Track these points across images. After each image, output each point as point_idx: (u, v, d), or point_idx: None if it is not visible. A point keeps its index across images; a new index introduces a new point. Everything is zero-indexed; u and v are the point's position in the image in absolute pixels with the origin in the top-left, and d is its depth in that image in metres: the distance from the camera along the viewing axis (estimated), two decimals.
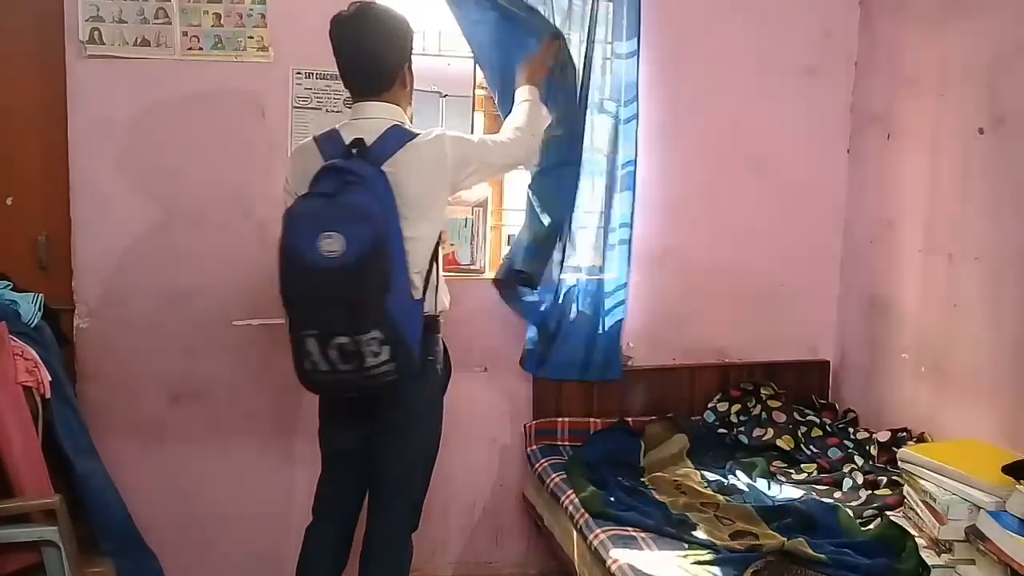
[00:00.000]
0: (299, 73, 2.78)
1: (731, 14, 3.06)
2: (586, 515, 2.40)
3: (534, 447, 2.95)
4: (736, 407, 3.06)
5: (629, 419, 3.00)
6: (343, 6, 2.75)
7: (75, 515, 2.12)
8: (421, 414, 2.24)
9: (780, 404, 3.03)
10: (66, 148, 2.70)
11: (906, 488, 2.29)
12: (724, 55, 3.07)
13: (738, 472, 2.72)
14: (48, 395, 2.17)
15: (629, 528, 2.31)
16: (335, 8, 2.74)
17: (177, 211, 2.78)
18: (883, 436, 2.76)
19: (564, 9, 2.86)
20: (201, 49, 2.73)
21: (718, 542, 2.23)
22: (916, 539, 2.14)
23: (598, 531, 2.31)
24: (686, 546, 2.23)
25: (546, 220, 2.82)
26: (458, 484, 3.04)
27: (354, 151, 2.06)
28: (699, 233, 3.12)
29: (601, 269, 2.98)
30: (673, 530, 2.30)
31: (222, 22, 2.73)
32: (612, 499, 2.48)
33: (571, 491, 2.55)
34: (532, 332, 2.98)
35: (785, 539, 2.17)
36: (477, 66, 2.86)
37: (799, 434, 2.92)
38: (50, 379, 2.18)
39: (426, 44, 2.90)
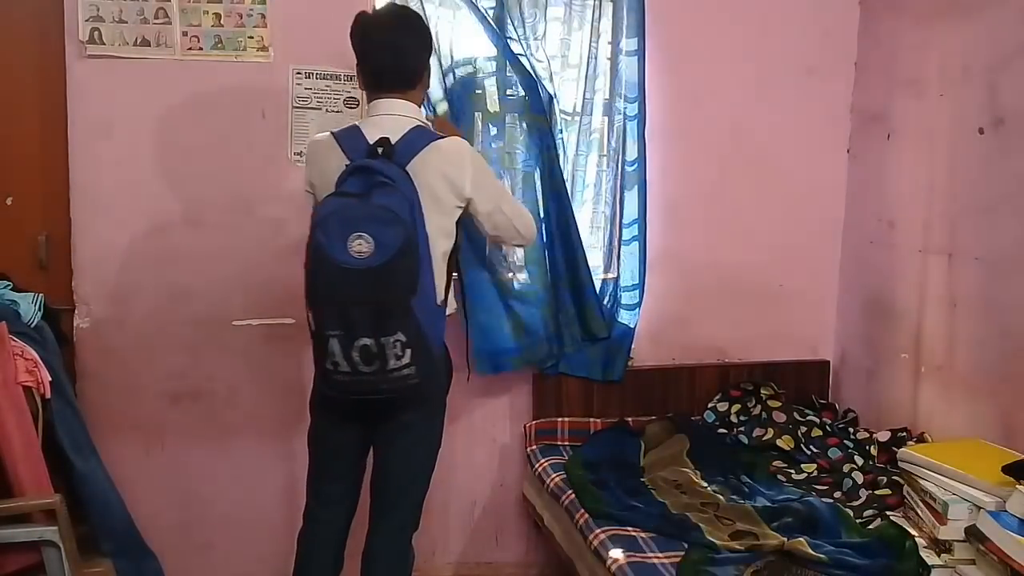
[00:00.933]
0: (299, 73, 2.78)
1: (731, 14, 3.06)
2: (586, 515, 2.40)
3: (534, 447, 2.95)
4: (736, 407, 3.06)
5: (629, 419, 3.00)
6: (343, 6, 2.76)
7: (75, 515, 2.12)
8: (431, 417, 2.24)
9: (780, 404, 3.03)
10: (66, 148, 2.70)
11: (906, 488, 2.29)
12: (724, 55, 3.06)
13: (738, 472, 2.71)
14: (48, 395, 2.17)
15: (629, 528, 2.32)
16: (335, 8, 2.75)
17: (177, 211, 2.78)
18: (883, 436, 2.76)
19: (567, 10, 2.87)
20: (201, 49, 2.73)
21: (718, 542, 2.23)
22: (916, 539, 2.15)
23: (598, 531, 2.31)
24: (686, 546, 2.23)
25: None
26: (458, 484, 3.04)
27: (380, 151, 2.05)
28: (699, 233, 3.12)
29: (611, 270, 2.98)
30: (673, 530, 2.30)
31: (222, 22, 2.73)
32: (612, 499, 2.48)
33: (571, 491, 2.55)
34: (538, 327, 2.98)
35: (785, 539, 2.17)
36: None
37: (799, 434, 2.92)
38: (50, 379, 2.18)
39: None
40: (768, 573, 2.05)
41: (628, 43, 2.89)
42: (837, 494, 2.56)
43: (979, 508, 2.05)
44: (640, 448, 2.87)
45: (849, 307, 3.20)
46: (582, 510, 2.43)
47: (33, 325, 2.31)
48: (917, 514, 2.21)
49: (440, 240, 2.12)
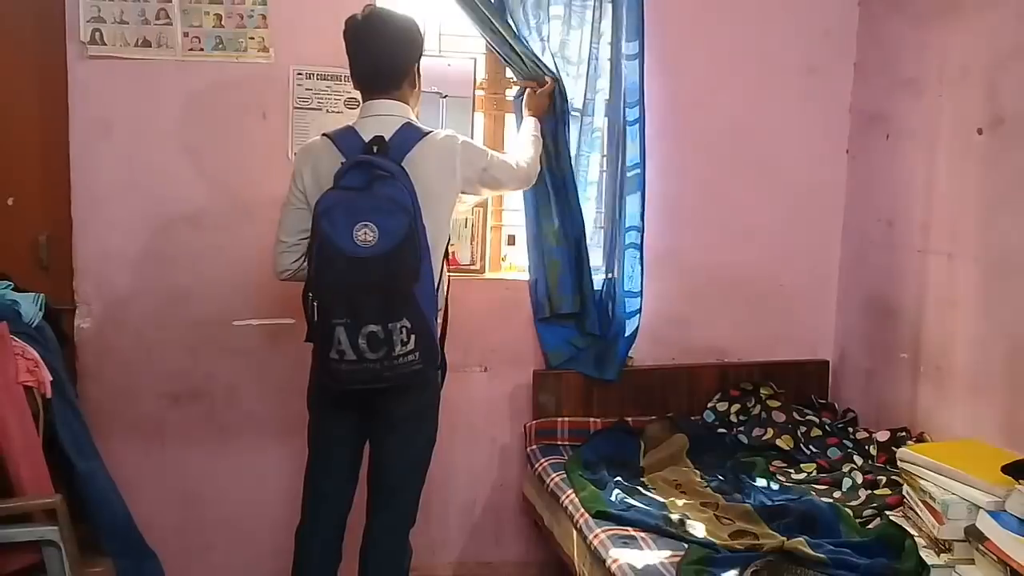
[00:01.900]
0: (300, 74, 2.78)
1: (731, 14, 3.06)
2: (586, 515, 2.40)
3: (534, 447, 2.95)
4: (736, 407, 3.06)
5: (629, 419, 3.01)
6: (343, 7, 2.76)
7: (75, 515, 2.11)
8: (424, 412, 2.26)
9: (780, 404, 3.03)
10: (67, 148, 2.70)
11: (905, 488, 2.29)
12: (724, 55, 3.07)
13: (738, 472, 2.72)
14: (49, 395, 2.17)
15: (629, 528, 2.31)
16: (335, 9, 2.75)
17: (177, 211, 2.79)
18: (883, 436, 2.76)
19: (567, 10, 2.88)
20: (202, 50, 2.73)
21: (718, 542, 2.23)
22: (916, 539, 2.15)
23: (598, 531, 2.31)
24: (686, 546, 2.23)
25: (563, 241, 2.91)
26: (458, 484, 3.05)
27: (375, 148, 2.09)
28: (699, 233, 3.12)
29: (612, 271, 2.99)
30: (673, 530, 2.30)
31: (223, 23, 2.73)
32: (612, 499, 2.48)
33: (571, 491, 2.55)
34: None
35: (785, 539, 2.17)
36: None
37: (799, 434, 2.92)
38: (51, 379, 2.18)
39: (427, 44, 2.90)
40: (768, 573, 2.05)
41: (628, 46, 2.88)
42: (837, 494, 2.56)
43: (979, 508, 2.05)
44: (640, 448, 2.87)
45: (849, 307, 3.20)
46: (582, 510, 2.43)
47: (34, 325, 2.31)
48: (916, 514, 2.21)
49: (435, 234, 2.15)
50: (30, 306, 2.34)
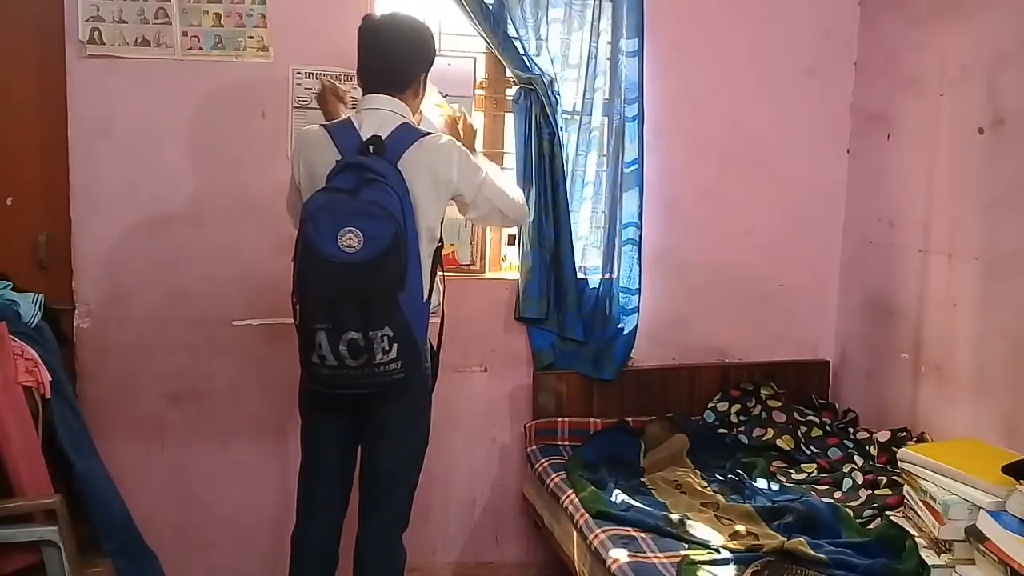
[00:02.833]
0: (299, 73, 2.78)
1: (731, 14, 3.06)
2: (586, 515, 2.40)
3: (534, 447, 2.95)
4: (736, 407, 3.06)
5: (629, 419, 3.00)
6: (343, 7, 2.77)
7: (75, 515, 2.11)
8: (415, 415, 2.24)
9: (780, 404, 3.03)
10: (66, 148, 2.70)
11: (906, 488, 2.29)
12: (724, 55, 3.07)
13: (738, 472, 2.71)
14: (48, 395, 2.16)
15: (629, 528, 2.31)
16: (335, 9, 2.77)
17: (177, 211, 2.79)
18: (883, 436, 2.76)
19: (567, 10, 2.88)
20: (201, 49, 2.73)
21: (718, 542, 2.23)
22: (916, 539, 2.15)
23: (598, 531, 2.31)
24: (686, 546, 2.23)
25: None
26: (458, 483, 3.05)
27: (371, 148, 2.06)
28: (699, 233, 3.12)
29: (610, 271, 2.99)
30: (673, 530, 2.30)
31: (222, 22, 2.73)
32: (612, 499, 2.48)
33: (571, 491, 2.55)
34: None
35: (785, 539, 2.17)
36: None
37: (799, 434, 2.92)
38: (50, 379, 2.17)
39: None
40: (768, 573, 2.05)
41: (628, 43, 2.89)
42: (837, 494, 2.56)
43: (979, 508, 2.05)
44: (640, 448, 2.87)
45: (849, 307, 3.20)
46: (582, 510, 2.43)
47: (33, 325, 2.31)
48: (917, 514, 2.21)
49: (427, 237, 2.14)
50: (29, 306, 2.34)
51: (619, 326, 3.02)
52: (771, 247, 3.18)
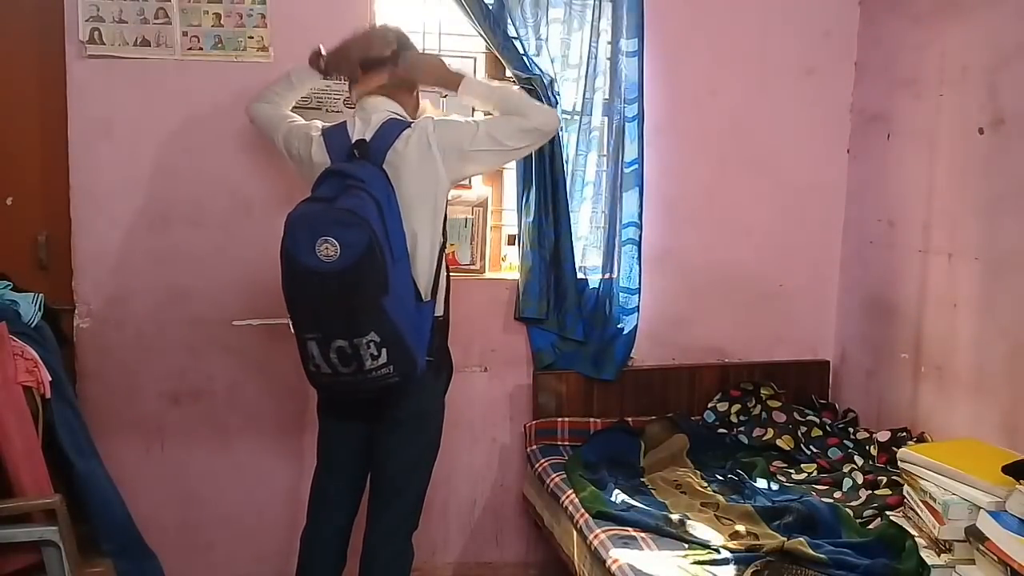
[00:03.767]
0: None
1: (731, 14, 3.06)
2: (586, 515, 2.40)
3: (534, 447, 2.95)
4: (736, 407, 3.06)
5: (629, 419, 3.00)
6: (343, 8, 2.77)
7: (75, 515, 2.11)
8: (423, 415, 2.24)
9: (780, 404, 3.03)
10: (66, 148, 2.70)
11: (906, 488, 2.29)
12: (724, 55, 3.07)
13: (738, 472, 2.71)
14: (48, 395, 2.16)
15: (629, 528, 2.31)
16: (335, 9, 2.76)
17: (177, 211, 2.78)
18: (883, 436, 2.76)
19: (567, 10, 2.88)
20: (201, 49, 2.73)
21: (718, 542, 2.23)
22: (916, 539, 2.15)
23: (598, 531, 2.31)
24: (686, 546, 2.23)
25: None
26: (458, 484, 3.05)
27: (356, 152, 2.09)
28: (699, 233, 3.12)
29: (610, 271, 2.99)
30: (673, 530, 2.30)
31: (222, 22, 2.73)
32: (612, 499, 2.48)
33: (571, 491, 2.55)
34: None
35: (785, 539, 2.18)
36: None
37: (799, 434, 2.92)
38: (50, 379, 2.17)
39: (426, 44, 2.91)
40: (768, 573, 2.05)
41: (628, 43, 2.89)
42: (837, 494, 2.56)
43: (979, 508, 2.05)
44: (640, 448, 2.87)
45: (849, 307, 3.20)
46: (582, 510, 2.43)
47: (33, 325, 2.31)
48: (917, 514, 2.21)
49: (424, 236, 2.13)
50: (29, 306, 2.33)
51: (619, 326, 3.02)
52: (771, 247, 3.18)
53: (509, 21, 2.79)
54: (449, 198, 2.25)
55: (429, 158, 2.13)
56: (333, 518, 2.31)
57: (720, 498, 2.51)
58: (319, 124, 2.29)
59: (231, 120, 2.77)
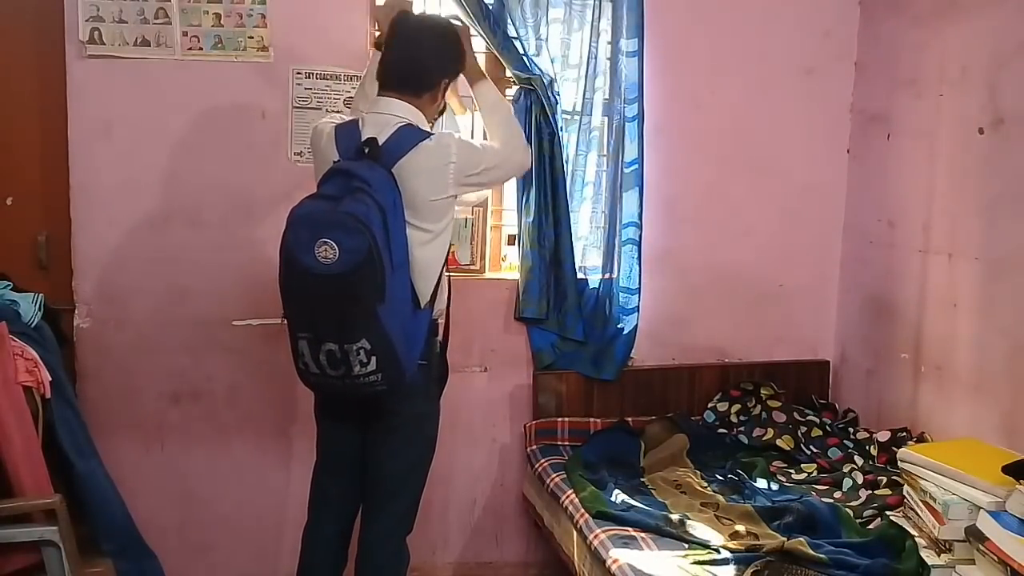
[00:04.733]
0: (299, 73, 2.78)
1: (731, 14, 3.06)
2: (586, 515, 2.40)
3: (534, 447, 2.95)
4: (736, 407, 3.06)
5: (629, 419, 3.00)
6: (343, 7, 2.77)
7: (75, 515, 2.11)
8: (418, 418, 2.23)
9: (780, 404, 3.03)
10: (66, 148, 2.70)
11: (906, 488, 2.29)
12: (724, 55, 3.07)
13: (738, 472, 2.71)
14: (48, 395, 2.16)
15: (629, 528, 2.31)
16: (335, 9, 2.77)
17: (177, 211, 2.79)
18: (883, 436, 2.76)
19: (567, 10, 2.88)
20: (201, 49, 2.73)
21: (718, 542, 2.23)
22: (916, 539, 2.14)
23: (598, 531, 2.31)
24: (686, 546, 2.23)
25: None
26: (458, 484, 3.05)
27: (366, 151, 2.05)
28: (699, 233, 3.12)
29: (609, 271, 2.99)
30: (673, 530, 2.30)
31: (222, 22, 2.73)
32: (612, 499, 2.48)
33: (571, 491, 2.55)
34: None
35: (785, 539, 2.17)
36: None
37: (799, 434, 2.92)
38: (50, 379, 2.18)
39: None
40: (768, 573, 2.05)
41: (628, 43, 2.89)
42: (837, 494, 2.56)
43: (979, 508, 2.05)
44: (640, 448, 2.87)
45: (849, 307, 3.20)
46: (582, 510, 2.43)
47: (33, 325, 2.31)
48: (917, 514, 2.21)
49: (429, 243, 2.12)
50: (29, 306, 2.34)
51: (619, 326, 3.02)
52: (771, 247, 3.18)
53: (509, 21, 2.79)
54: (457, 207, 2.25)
55: (443, 172, 2.11)
56: (333, 517, 2.31)
57: (720, 498, 2.51)
58: (336, 119, 2.25)
59: (231, 120, 2.78)
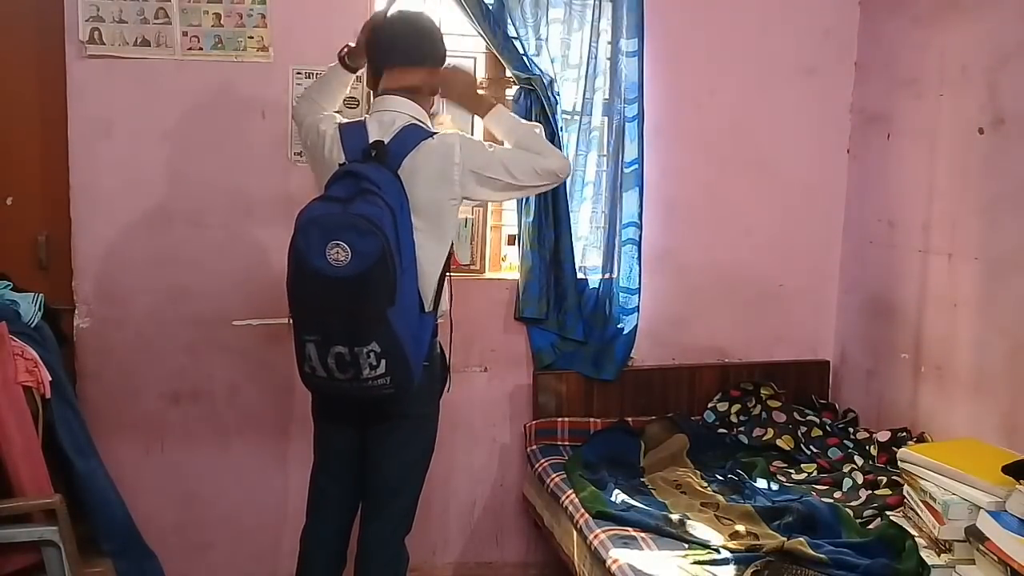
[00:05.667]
0: (299, 73, 2.78)
1: (731, 14, 3.06)
2: (586, 515, 2.40)
3: (534, 447, 2.95)
4: (736, 407, 3.06)
5: (629, 419, 3.00)
6: (343, 7, 2.77)
7: (75, 515, 2.11)
8: (418, 419, 2.23)
9: (780, 404, 3.03)
10: (66, 148, 2.70)
11: (906, 488, 2.29)
12: (724, 55, 3.07)
13: (738, 472, 2.72)
14: (48, 395, 2.16)
15: (629, 528, 2.31)
16: (335, 9, 2.76)
17: (177, 211, 2.78)
18: (883, 436, 2.76)
19: (567, 10, 2.88)
20: (201, 49, 2.73)
21: (718, 542, 2.23)
22: (916, 539, 2.15)
23: (598, 531, 2.31)
24: (686, 546, 2.23)
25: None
26: (458, 484, 3.05)
27: (373, 153, 2.05)
28: (699, 233, 3.12)
29: (609, 271, 2.99)
30: (673, 530, 2.30)
31: (222, 22, 2.73)
32: (612, 499, 2.48)
33: (571, 491, 2.55)
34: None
35: (785, 539, 2.18)
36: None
37: (799, 434, 2.92)
38: (50, 379, 2.17)
39: None
40: (768, 573, 2.05)
41: (628, 43, 2.90)
42: (837, 494, 2.56)
43: (979, 508, 2.05)
44: (640, 448, 2.87)
45: (849, 307, 3.20)
46: (582, 510, 2.43)
47: (33, 325, 2.31)
48: (917, 514, 2.21)
49: (431, 245, 2.11)
50: (29, 306, 2.34)
51: (619, 326, 3.02)
52: (771, 247, 3.18)
53: (509, 21, 2.79)
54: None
55: (448, 173, 2.10)
56: (332, 518, 2.31)
57: (720, 498, 2.51)
58: (339, 119, 2.24)
59: (231, 120, 2.77)
